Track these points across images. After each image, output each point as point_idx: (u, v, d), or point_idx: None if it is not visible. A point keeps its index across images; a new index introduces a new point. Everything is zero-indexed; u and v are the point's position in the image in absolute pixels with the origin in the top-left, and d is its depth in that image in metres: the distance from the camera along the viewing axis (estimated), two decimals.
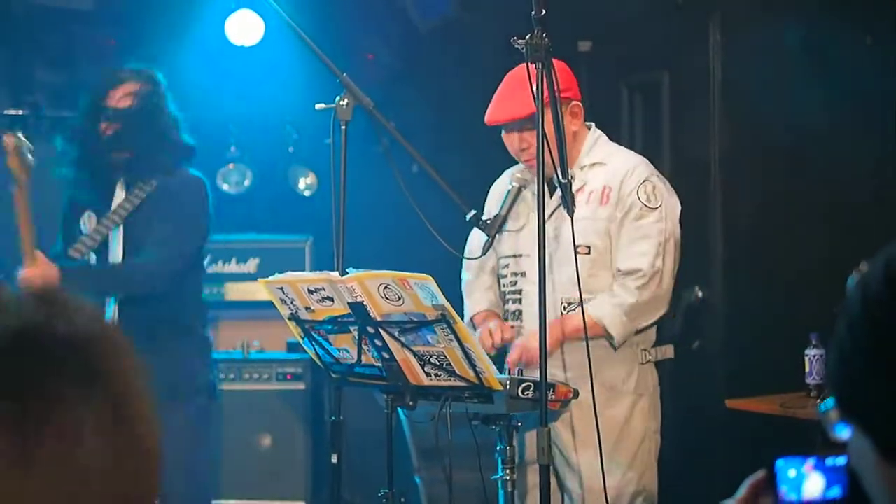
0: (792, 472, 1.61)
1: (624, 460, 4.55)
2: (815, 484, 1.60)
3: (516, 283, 4.68)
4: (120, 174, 5.33)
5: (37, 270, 4.96)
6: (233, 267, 7.13)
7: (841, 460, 1.56)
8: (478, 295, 4.85)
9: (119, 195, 5.31)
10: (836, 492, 1.59)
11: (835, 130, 5.86)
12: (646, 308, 4.51)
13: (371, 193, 5.89)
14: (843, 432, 1.50)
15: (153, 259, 5.20)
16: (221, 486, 6.66)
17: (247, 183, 7.64)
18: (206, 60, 7.22)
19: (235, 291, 7.11)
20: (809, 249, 5.89)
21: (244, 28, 7.11)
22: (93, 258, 5.27)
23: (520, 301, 4.65)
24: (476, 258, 4.75)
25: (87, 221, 5.32)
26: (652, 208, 4.52)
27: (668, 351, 4.75)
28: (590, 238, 4.52)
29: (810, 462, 1.60)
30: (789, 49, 6.04)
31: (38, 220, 5.19)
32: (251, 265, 7.15)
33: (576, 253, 4.29)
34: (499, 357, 4.59)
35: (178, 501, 4.97)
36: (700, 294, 6.15)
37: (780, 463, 1.62)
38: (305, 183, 7.70)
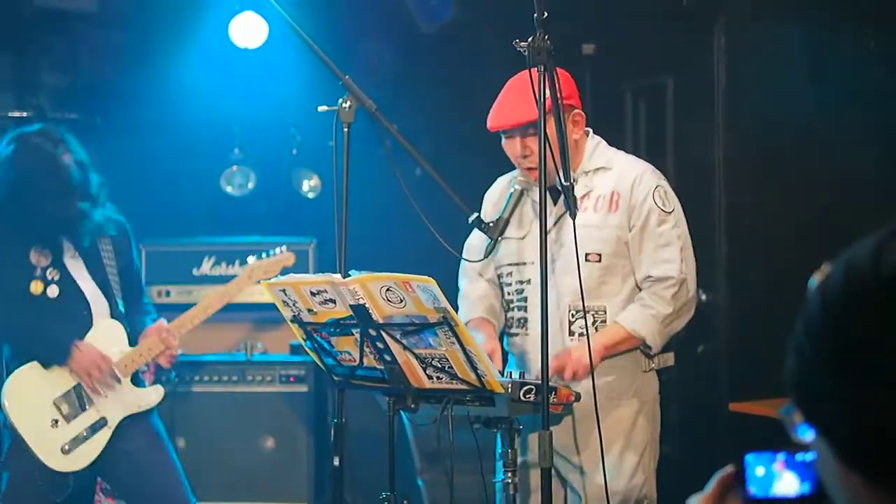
0: (760, 470, 1.59)
1: (629, 466, 4.55)
2: (787, 482, 1.58)
3: (522, 290, 4.66)
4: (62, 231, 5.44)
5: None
6: (236, 269, 7.10)
7: (811, 456, 1.54)
8: (472, 301, 4.83)
9: (68, 249, 5.40)
10: (805, 488, 1.57)
11: (838, 133, 5.85)
12: (678, 314, 4.53)
13: (374, 196, 5.89)
14: (806, 434, 1.48)
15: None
16: (223, 488, 6.67)
17: (250, 185, 7.64)
18: (209, 62, 7.23)
19: (240, 294, 7.10)
20: (813, 252, 5.87)
21: (248, 30, 7.11)
22: (54, 290, 5.34)
23: (525, 309, 4.64)
24: (477, 261, 4.74)
25: (40, 254, 5.36)
26: (668, 213, 4.52)
27: (668, 359, 4.75)
28: (599, 245, 4.51)
29: (780, 458, 1.58)
30: (793, 53, 6.04)
31: None
32: None
33: (579, 261, 4.28)
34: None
35: None
36: (704, 297, 6.14)
37: (749, 458, 1.59)
38: (309, 185, 7.70)
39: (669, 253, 4.51)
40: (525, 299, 4.64)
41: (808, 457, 1.54)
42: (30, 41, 7.33)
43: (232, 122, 7.60)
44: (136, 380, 5.47)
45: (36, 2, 7.05)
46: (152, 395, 5.50)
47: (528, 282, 4.62)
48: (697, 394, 6.19)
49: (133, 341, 5.44)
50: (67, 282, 5.35)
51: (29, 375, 5.30)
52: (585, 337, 4.29)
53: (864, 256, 1.43)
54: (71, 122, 7.22)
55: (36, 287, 5.33)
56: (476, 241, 4.79)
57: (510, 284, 4.71)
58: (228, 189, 7.61)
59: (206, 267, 7.16)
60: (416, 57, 7.70)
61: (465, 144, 6.69)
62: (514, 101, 4.48)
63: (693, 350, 6.19)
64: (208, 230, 7.37)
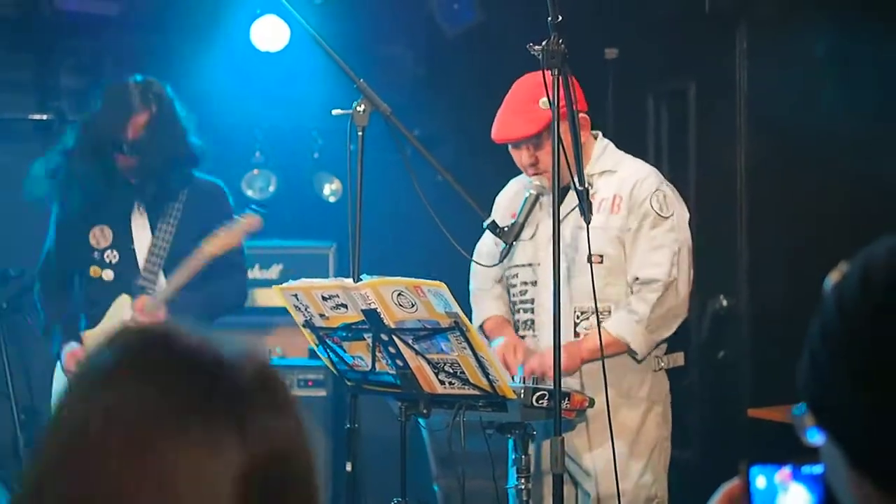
0: (762, 481, 1.54)
1: (637, 466, 4.54)
2: (795, 494, 1.53)
3: (526, 291, 4.65)
4: (138, 197, 5.39)
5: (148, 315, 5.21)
6: (256, 273, 7.10)
7: (818, 468, 1.50)
8: (488, 303, 4.83)
9: (138, 217, 5.37)
10: (813, 500, 1.53)
11: (861, 138, 5.81)
12: (664, 318, 4.50)
13: (394, 200, 5.87)
14: (816, 438, 1.45)
15: (239, 281, 5.60)
16: None
17: (271, 189, 7.64)
18: (231, 66, 7.23)
19: (259, 297, 7.09)
20: (835, 258, 5.80)
21: (269, 34, 7.09)
22: (109, 274, 5.32)
23: (532, 310, 4.63)
24: (492, 265, 4.72)
25: (100, 236, 5.35)
26: (664, 217, 4.51)
27: (678, 359, 4.72)
28: (602, 247, 4.50)
29: (786, 470, 1.54)
30: (815, 56, 6.01)
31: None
32: (274, 271, 7.13)
33: (592, 263, 4.28)
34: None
35: None
36: (725, 303, 6.11)
37: (754, 471, 1.55)
38: (330, 189, 7.69)
39: (660, 256, 4.48)
40: (531, 301, 4.63)
41: (816, 469, 1.51)
42: (50, 43, 7.34)
43: (253, 126, 7.60)
44: None
45: (56, 4, 7.05)
46: None
47: (534, 283, 4.61)
48: (717, 399, 6.15)
49: None
50: (126, 260, 5.34)
51: None
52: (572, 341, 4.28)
53: (881, 257, 1.40)
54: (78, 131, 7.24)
55: (94, 272, 5.35)
56: (486, 247, 4.78)
57: (516, 286, 4.71)
58: (249, 192, 7.60)
59: None
60: (438, 60, 7.69)
61: (487, 148, 6.67)
62: (517, 112, 4.49)
63: (713, 355, 6.16)
64: None
